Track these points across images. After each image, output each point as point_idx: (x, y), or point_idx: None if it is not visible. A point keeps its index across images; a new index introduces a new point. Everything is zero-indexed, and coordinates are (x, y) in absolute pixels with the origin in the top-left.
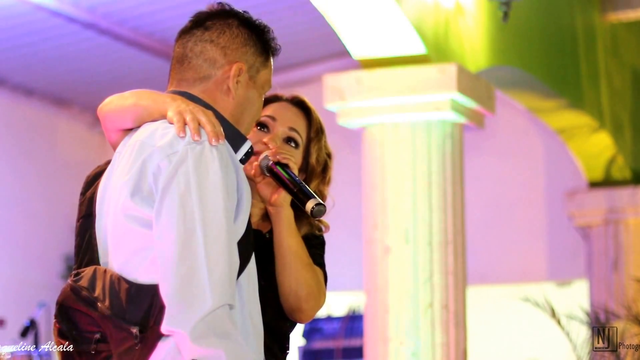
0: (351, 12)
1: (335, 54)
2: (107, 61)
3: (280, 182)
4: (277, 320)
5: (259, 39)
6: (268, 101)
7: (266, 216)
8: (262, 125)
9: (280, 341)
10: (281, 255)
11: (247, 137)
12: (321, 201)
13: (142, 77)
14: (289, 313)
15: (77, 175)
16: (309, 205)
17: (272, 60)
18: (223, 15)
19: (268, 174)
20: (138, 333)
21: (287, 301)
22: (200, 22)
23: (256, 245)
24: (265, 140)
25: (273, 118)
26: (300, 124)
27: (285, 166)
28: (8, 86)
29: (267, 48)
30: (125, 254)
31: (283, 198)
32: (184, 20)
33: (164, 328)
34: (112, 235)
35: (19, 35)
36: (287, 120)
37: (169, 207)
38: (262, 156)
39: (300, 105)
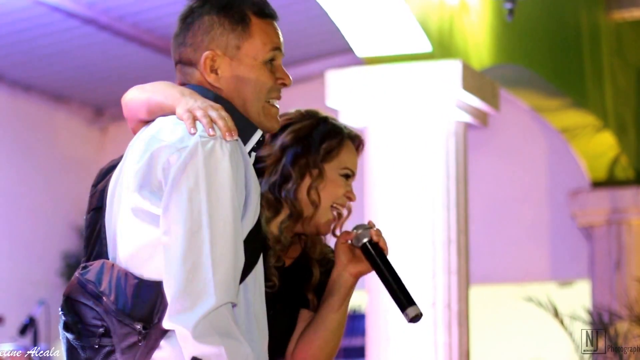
0: (355, 9)
1: (338, 51)
2: (107, 57)
3: (376, 267)
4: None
5: (227, 15)
6: (335, 134)
7: (292, 245)
8: (347, 177)
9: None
10: (327, 319)
11: (268, 115)
12: (419, 307)
13: (143, 73)
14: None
15: (75, 171)
16: (411, 312)
17: (260, 23)
18: (187, 14)
19: (359, 248)
20: (142, 329)
21: (305, 354)
22: (176, 29)
23: (277, 272)
24: (349, 195)
25: (353, 172)
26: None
27: (382, 251)
28: (7, 81)
29: (242, 17)
30: (131, 248)
31: (365, 273)
32: None
33: (166, 323)
34: (119, 229)
35: (18, 30)
36: (356, 170)
37: (176, 201)
38: (360, 228)
39: (359, 146)
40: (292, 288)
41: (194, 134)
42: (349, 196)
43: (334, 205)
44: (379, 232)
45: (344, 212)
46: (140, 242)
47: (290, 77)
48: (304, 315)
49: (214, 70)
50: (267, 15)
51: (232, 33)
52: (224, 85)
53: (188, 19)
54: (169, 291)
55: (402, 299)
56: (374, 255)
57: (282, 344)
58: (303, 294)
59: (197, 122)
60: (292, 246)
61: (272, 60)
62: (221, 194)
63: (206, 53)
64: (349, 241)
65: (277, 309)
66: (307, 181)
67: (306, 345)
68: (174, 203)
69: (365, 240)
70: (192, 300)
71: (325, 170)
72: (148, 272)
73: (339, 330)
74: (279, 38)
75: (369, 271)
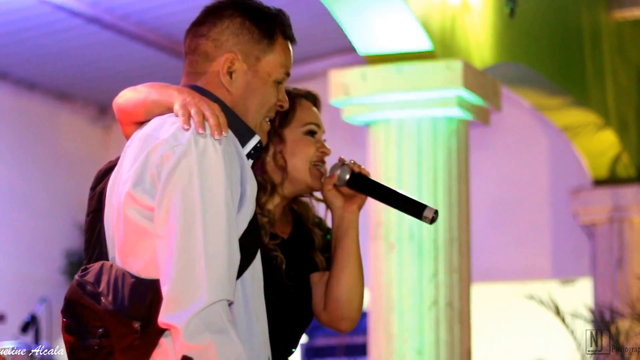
0: (357, 8)
1: (341, 50)
2: (111, 56)
3: (371, 193)
4: (288, 333)
5: (258, 25)
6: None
7: (284, 217)
8: (312, 133)
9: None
10: (348, 262)
11: (261, 130)
12: (431, 207)
13: (146, 72)
14: (334, 321)
15: (78, 170)
16: (428, 213)
17: (283, 43)
18: (218, 8)
19: (346, 185)
20: (139, 328)
21: (338, 309)
22: (198, 18)
23: (278, 248)
24: (323, 150)
25: (318, 125)
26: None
27: (367, 177)
28: (11, 80)
29: (270, 33)
30: (127, 247)
31: (363, 204)
32: (188, 15)
33: (160, 321)
34: (116, 229)
35: (22, 29)
36: (321, 123)
37: (170, 198)
38: (337, 168)
39: (315, 101)
40: (297, 258)
41: (187, 129)
42: (323, 150)
43: (312, 163)
44: (355, 163)
45: (326, 166)
46: (136, 240)
47: (288, 103)
48: (315, 278)
49: (229, 73)
50: (291, 38)
51: (258, 44)
52: (234, 89)
53: (218, 14)
54: (163, 288)
55: (413, 207)
56: (364, 185)
57: (305, 313)
58: (309, 259)
59: (192, 119)
60: (283, 221)
61: (280, 82)
62: (214, 191)
63: (228, 54)
64: (334, 184)
65: (292, 278)
66: (272, 151)
67: (337, 293)
68: (167, 200)
69: (347, 176)
70: (185, 297)
71: (285, 134)
72: (145, 271)
73: (360, 273)
74: (291, 63)
75: (365, 200)
